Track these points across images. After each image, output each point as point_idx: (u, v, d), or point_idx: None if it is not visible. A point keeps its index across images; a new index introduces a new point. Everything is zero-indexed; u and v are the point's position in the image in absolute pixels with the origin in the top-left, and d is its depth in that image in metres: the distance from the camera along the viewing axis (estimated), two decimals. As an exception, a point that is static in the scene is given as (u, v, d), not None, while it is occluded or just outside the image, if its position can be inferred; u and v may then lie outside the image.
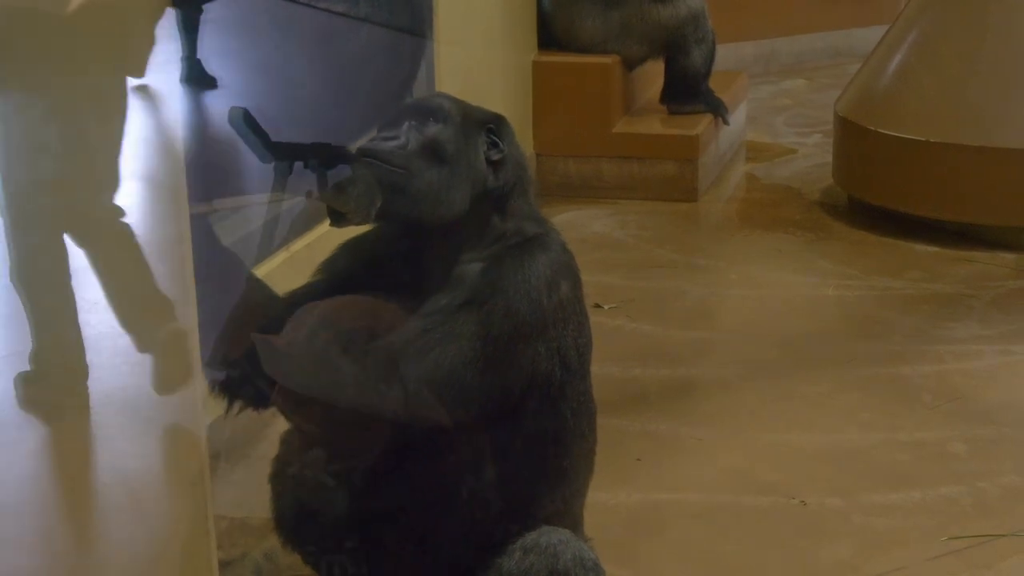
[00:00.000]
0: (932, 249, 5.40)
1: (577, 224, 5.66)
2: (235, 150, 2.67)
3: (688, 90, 6.20)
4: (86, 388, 2.61)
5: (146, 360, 2.67)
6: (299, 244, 3.81)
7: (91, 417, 2.60)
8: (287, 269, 3.43)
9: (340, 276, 2.79)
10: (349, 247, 2.85)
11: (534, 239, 2.70)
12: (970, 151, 5.31)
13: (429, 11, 4.68)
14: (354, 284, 2.75)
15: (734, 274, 5.30)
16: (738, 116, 6.67)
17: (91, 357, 2.61)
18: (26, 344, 2.53)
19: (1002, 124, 5.32)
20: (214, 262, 2.71)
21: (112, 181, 2.61)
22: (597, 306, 4.74)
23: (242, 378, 2.67)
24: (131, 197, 2.63)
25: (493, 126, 2.73)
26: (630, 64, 6.20)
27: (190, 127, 2.94)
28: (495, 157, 2.71)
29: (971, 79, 5.42)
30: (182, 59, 3.48)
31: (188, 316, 2.68)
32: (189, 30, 3.60)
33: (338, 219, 2.59)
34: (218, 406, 2.72)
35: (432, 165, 2.63)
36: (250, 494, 3.20)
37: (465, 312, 2.60)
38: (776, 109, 7.43)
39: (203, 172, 2.89)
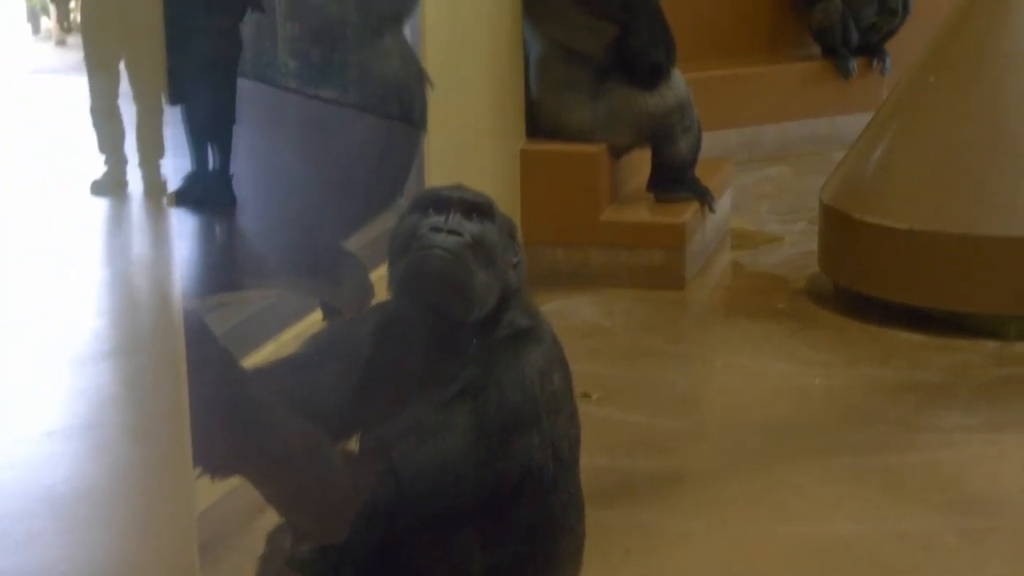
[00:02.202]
0: (917, 337, 5.42)
1: (565, 312, 5.68)
2: (227, 245, 2.70)
3: (675, 178, 6.24)
4: (78, 473, 2.62)
5: (137, 446, 2.68)
6: (288, 334, 3.83)
7: (83, 504, 2.60)
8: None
9: (343, 349, 2.80)
10: (358, 322, 2.86)
11: (527, 331, 2.72)
12: (954, 239, 5.34)
13: (420, 98, 4.70)
14: (356, 358, 2.76)
15: (720, 362, 5.32)
16: (724, 204, 6.71)
17: (81, 443, 2.62)
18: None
19: (985, 213, 5.36)
20: (205, 353, 2.72)
21: None
22: (585, 395, 4.75)
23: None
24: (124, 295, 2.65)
25: (512, 228, 2.77)
26: (617, 152, 6.25)
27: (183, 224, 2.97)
28: (514, 261, 2.75)
29: (954, 168, 5.46)
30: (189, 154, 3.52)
31: (180, 405, 2.69)
32: (192, 127, 3.64)
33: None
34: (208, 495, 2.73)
35: (482, 266, 2.66)
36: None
37: (459, 403, 2.61)
38: (761, 196, 7.48)
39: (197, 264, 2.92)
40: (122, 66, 4.03)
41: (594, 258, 6.04)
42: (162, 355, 2.69)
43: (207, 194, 3.70)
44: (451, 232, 2.66)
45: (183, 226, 3.49)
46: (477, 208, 2.72)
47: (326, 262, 2.63)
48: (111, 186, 4.15)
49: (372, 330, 2.81)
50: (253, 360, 3.36)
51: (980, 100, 5.51)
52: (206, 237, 3.17)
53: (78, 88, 4.09)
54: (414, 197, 2.80)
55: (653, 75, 6.13)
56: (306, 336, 2.84)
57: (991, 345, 5.33)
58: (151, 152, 4.03)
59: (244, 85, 3.98)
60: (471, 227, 2.68)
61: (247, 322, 3.24)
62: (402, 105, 4.13)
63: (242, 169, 3.97)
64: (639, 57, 6.10)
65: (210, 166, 3.85)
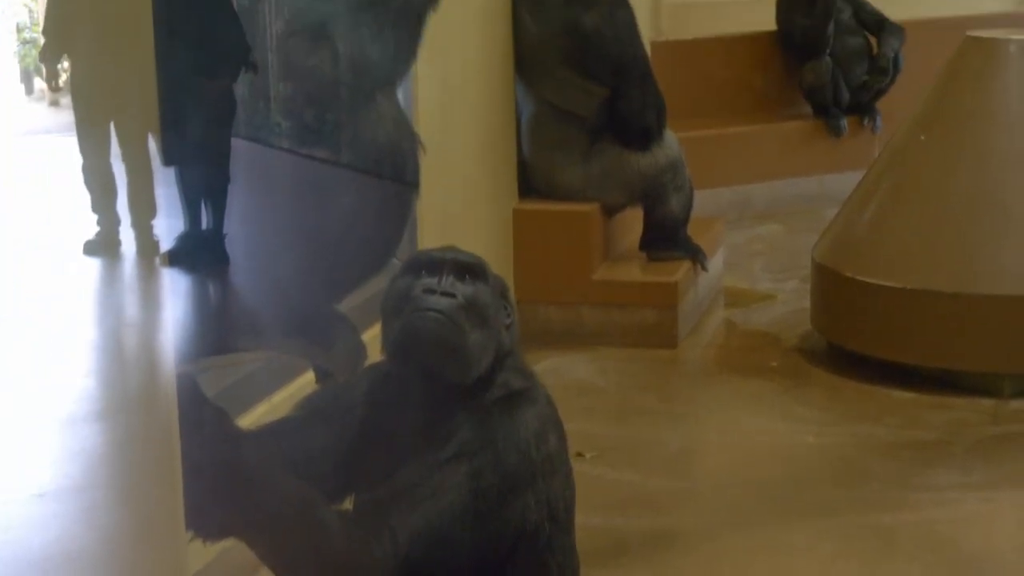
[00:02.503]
0: (910, 395, 5.41)
1: (558, 371, 5.68)
2: (220, 306, 2.70)
3: (667, 237, 6.25)
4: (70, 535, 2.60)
5: (129, 509, 2.67)
6: (281, 395, 3.82)
7: (75, 566, 2.59)
8: (270, 419, 3.43)
9: (337, 411, 2.79)
10: (352, 383, 2.86)
11: (522, 392, 2.72)
12: (946, 298, 5.35)
13: (413, 159, 4.72)
14: (350, 420, 2.76)
15: (714, 421, 5.31)
16: (716, 262, 6.72)
17: (73, 505, 2.61)
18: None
19: (976, 270, 5.37)
20: (198, 415, 2.71)
21: None
22: (579, 455, 4.74)
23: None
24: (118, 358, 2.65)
25: (505, 289, 2.78)
26: (609, 211, 6.27)
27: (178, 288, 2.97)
28: (507, 322, 2.75)
29: (945, 226, 5.48)
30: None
31: (172, 467, 2.67)
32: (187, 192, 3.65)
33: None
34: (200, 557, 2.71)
35: (476, 327, 2.66)
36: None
37: (454, 465, 2.61)
38: (754, 254, 7.49)
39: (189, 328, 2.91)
40: (114, 126, 4.04)
41: (587, 317, 6.05)
42: (154, 416, 2.68)
43: (200, 254, 3.70)
44: (444, 294, 2.67)
45: (176, 286, 3.49)
46: (470, 269, 2.72)
47: (318, 325, 2.63)
48: (104, 246, 4.15)
49: (366, 391, 2.81)
50: (246, 421, 3.35)
51: (970, 159, 5.54)
52: (199, 298, 3.16)
53: (71, 148, 4.10)
54: (407, 259, 2.80)
55: (643, 138, 6.15)
56: (299, 398, 2.83)
57: (985, 403, 5.32)
58: (143, 212, 4.03)
59: (238, 145, 3.99)
60: (464, 288, 2.69)
61: (240, 383, 3.24)
62: (395, 166, 4.14)
63: (235, 229, 3.97)
64: (629, 121, 6.13)
65: (203, 226, 3.85)
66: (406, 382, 2.75)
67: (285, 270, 3.77)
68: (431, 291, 2.67)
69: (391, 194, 4.06)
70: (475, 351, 2.67)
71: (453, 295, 2.66)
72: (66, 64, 4.28)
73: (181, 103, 3.56)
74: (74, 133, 4.11)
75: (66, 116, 4.28)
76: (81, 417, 3.72)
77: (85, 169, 4.17)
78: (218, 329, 3.01)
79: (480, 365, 2.68)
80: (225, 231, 3.81)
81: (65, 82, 4.30)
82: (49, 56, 4.19)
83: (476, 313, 2.68)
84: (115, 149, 4.08)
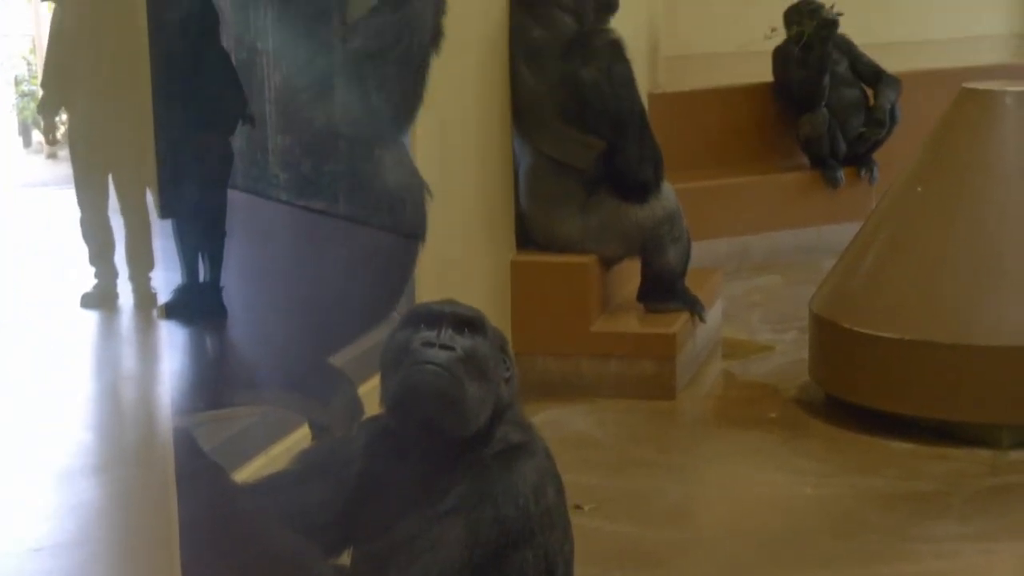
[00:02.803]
0: (909, 446, 5.41)
1: (556, 423, 5.67)
2: (218, 360, 2.70)
3: (665, 288, 6.26)
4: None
5: (127, 563, 2.67)
6: (278, 448, 3.81)
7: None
8: (268, 472, 3.43)
9: (335, 464, 2.79)
10: (349, 437, 2.86)
11: (520, 446, 2.72)
12: (944, 349, 5.35)
13: (420, 209, 4.70)
14: (347, 474, 2.75)
15: (712, 473, 5.30)
16: (714, 313, 6.72)
17: (70, 560, 2.60)
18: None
19: (974, 321, 5.37)
20: (195, 468, 2.71)
21: None
22: (577, 507, 4.72)
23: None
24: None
25: (503, 342, 2.78)
26: (607, 263, 6.27)
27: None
28: (506, 375, 2.76)
29: (943, 277, 5.48)
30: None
31: (169, 521, 2.67)
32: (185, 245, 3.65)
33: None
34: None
35: (474, 380, 2.66)
36: None
37: (453, 519, 2.60)
38: (751, 305, 7.49)
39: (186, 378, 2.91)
40: (112, 179, 4.05)
41: (585, 368, 6.04)
42: (151, 470, 2.68)
43: (197, 307, 3.70)
44: (443, 347, 2.67)
45: (173, 339, 3.49)
46: (468, 323, 2.73)
47: (316, 379, 2.63)
48: (101, 298, 4.15)
49: (363, 445, 2.81)
50: (244, 475, 3.34)
51: (967, 211, 5.55)
52: (196, 351, 3.16)
53: (69, 201, 4.11)
54: (406, 312, 2.81)
55: (641, 192, 6.16)
56: (296, 452, 2.83)
57: (984, 454, 5.32)
58: (141, 265, 4.04)
59: (236, 197, 3.99)
60: (463, 342, 2.69)
61: (237, 436, 3.23)
62: (400, 217, 4.13)
63: (233, 282, 3.98)
64: (627, 174, 6.15)
65: (200, 279, 3.85)
66: (404, 435, 2.75)
67: (283, 324, 3.77)
68: (430, 344, 2.67)
69: (396, 245, 4.06)
70: (474, 404, 2.67)
71: (452, 348, 2.67)
72: (64, 117, 4.30)
73: (178, 156, 3.57)
74: (72, 186, 4.12)
75: (64, 169, 4.29)
76: (78, 470, 3.71)
77: (83, 222, 4.17)
78: (215, 383, 3.00)
79: (479, 418, 2.68)
80: (223, 284, 3.81)
81: (63, 135, 4.31)
82: (47, 109, 4.20)
83: (475, 366, 2.68)
84: (113, 202, 4.08)
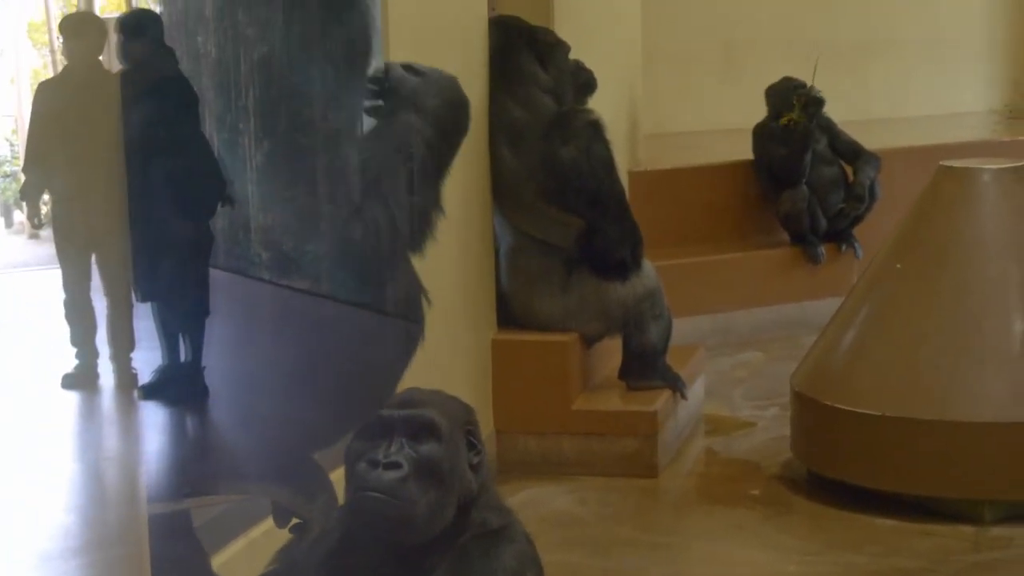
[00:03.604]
0: (892, 523, 5.40)
1: (537, 502, 5.65)
2: (198, 444, 2.69)
3: (646, 366, 6.26)
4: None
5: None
6: (257, 531, 3.80)
7: None
8: (247, 555, 3.42)
9: (316, 560, 2.77)
10: (328, 532, 2.84)
11: (499, 531, 2.70)
12: (925, 425, 5.35)
13: (395, 286, 4.69)
14: (328, 570, 2.73)
15: (695, 551, 5.28)
16: (696, 390, 6.72)
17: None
18: None
19: (955, 397, 5.38)
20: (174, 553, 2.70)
21: None
22: (559, 587, 4.71)
23: None
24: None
25: (471, 427, 2.75)
26: (589, 341, 6.28)
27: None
28: (475, 461, 2.73)
29: (923, 353, 5.49)
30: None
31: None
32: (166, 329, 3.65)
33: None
34: None
35: (430, 488, 2.62)
36: None
37: (433, 607, 2.58)
38: (734, 382, 7.49)
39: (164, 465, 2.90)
40: (94, 260, 4.06)
41: (566, 447, 6.03)
42: (130, 552, 2.67)
43: (178, 389, 3.69)
44: (389, 465, 2.62)
45: (153, 421, 3.48)
46: (421, 427, 2.67)
47: (301, 474, 2.60)
48: (82, 379, 4.15)
49: (339, 539, 2.79)
50: (223, 557, 3.33)
51: (946, 287, 5.57)
52: (176, 434, 3.15)
53: (50, 282, 4.12)
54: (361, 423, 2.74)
55: (619, 272, 6.18)
56: (277, 550, 2.81)
57: (967, 530, 5.31)
58: (122, 345, 4.04)
59: (218, 276, 3.99)
60: (414, 452, 2.63)
61: (217, 519, 3.22)
62: (406, 304, 4.10)
63: (216, 363, 3.97)
64: (605, 255, 6.17)
65: (181, 359, 3.84)
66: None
67: (268, 408, 3.74)
68: (375, 464, 2.62)
69: (399, 333, 4.01)
70: (428, 515, 2.63)
71: (399, 465, 2.62)
72: (46, 197, 4.31)
73: (156, 239, 3.57)
74: (53, 266, 4.13)
75: (46, 249, 4.30)
76: (58, 553, 3.70)
77: (64, 303, 4.18)
78: (196, 468, 2.99)
79: (439, 523, 2.65)
80: (204, 364, 3.81)
81: (46, 216, 4.33)
82: (30, 193, 4.21)
83: (428, 473, 2.63)
84: (96, 282, 4.09)
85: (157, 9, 4.33)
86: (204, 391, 3.77)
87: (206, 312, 3.83)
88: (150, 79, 3.66)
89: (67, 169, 4.04)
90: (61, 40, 4.29)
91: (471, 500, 2.72)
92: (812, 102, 8.33)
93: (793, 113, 8.32)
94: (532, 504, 5.53)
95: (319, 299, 4.36)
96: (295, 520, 2.79)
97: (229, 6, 3.97)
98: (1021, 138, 9.76)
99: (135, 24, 3.85)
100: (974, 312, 5.49)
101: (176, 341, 3.88)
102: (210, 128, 3.99)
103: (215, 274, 3.96)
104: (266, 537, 3.63)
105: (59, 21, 4.47)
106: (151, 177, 3.36)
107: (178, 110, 3.67)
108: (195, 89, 3.80)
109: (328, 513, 2.53)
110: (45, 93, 4.32)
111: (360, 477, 2.61)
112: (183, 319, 3.83)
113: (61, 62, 4.40)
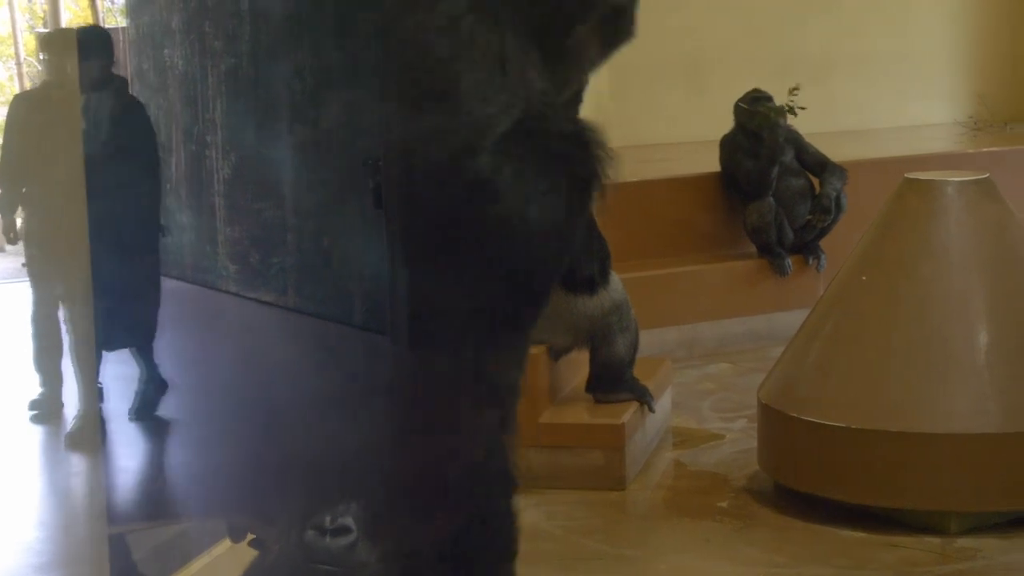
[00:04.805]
0: (859, 535, 5.41)
1: (505, 515, 5.63)
2: (160, 471, 2.68)
3: (613, 378, 6.27)
4: None
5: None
6: (219, 548, 3.78)
7: None
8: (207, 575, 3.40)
9: None
10: (288, 554, 2.82)
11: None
12: (891, 437, 5.37)
13: (362, 298, 4.66)
14: None
15: (663, 564, 5.28)
16: (663, 402, 6.73)
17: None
18: None
19: (921, 409, 5.39)
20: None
21: None
22: (526, 601, 4.70)
23: None
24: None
25: None
26: (556, 354, 6.28)
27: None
28: None
29: (888, 365, 5.51)
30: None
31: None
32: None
33: None
34: None
35: (382, 540, 2.61)
36: None
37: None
38: (701, 394, 7.51)
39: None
40: (62, 274, 4.05)
41: (534, 460, 6.02)
42: (92, 571, 2.66)
43: (142, 406, 3.68)
44: (336, 531, 2.58)
45: (117, 439, 3.47)
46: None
47: (261, 494, 2.60)
48: (47, 397, 4.14)
49: (305, 559, 2.76)
50: None
51: (911, 299, 5.59)
52: (139, 452, 3.14)
53: (14, 296, 4.10)
54: None
55: (586, 286, 6.18)
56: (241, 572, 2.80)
57: (933, 541, 5.33)
58: (86, 361, 4.03)
59: (185, 289, 3.98)
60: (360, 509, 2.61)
61: (179, 537, 3.20)
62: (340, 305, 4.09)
63: (180, 378, 3.95)
64: (573, 269, 6.17)
65: (145, 376, 3.83)
66: None
67: (233, 426, 3.72)
68: (322, 532, 2.58)
69: (367, 346, 3.99)
70: (383, 569, 2.62)
71: (348, 529, 2.58)
72: (21, 213, 4.30)
73: (111, 254, 3.56)
74: (22, 280, 4.12)
75: (12, 263, 4.29)
76: (20, 572, 3.68)
77: (33, 318, 4.17)
78: (157, 490, 2.98)
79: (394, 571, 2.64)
80: (167, 380, 3.80)
81: (21, 230, 4.31)
82: (5, 206, 4.20)
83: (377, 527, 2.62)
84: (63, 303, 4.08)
85: (123, 23, 4.32)
86: (167, 406, 3.76)
87: (153, 331, 3.81)
88: (105, 106, 3.66)
89: (42, 183, 4.04)
90: (43, 56, 4.29)
91: None
92: (780, 110, 8.38)
93: (766, 108, 8.36)
94: (499, 518, 5.51)
95: (286, 312, 4.35)
96: (251, 536, 2.79)
97: (196, 19, 3.97)
98: (985, 150, 9.83)
99: (86, 42, 3.84)
100: (939, 324, 5.51)
101: (138, 358, 3.87)
102: (177, 141, 3.99)
103: (183, 287, 3.95)
104: (227, 556, 3.61)
105: (40, 37, 4.47)
106: (102, 201, 3.36)
107: (131, 139, 3.66)
108: (151, 120, 3.79)
109: (286, 535, 2.53)
110: (21, 106, 4.31)
111: (308, 548, 2.56)
112: (138, 331, 3.82)
113: (27, 75, 4.40)
